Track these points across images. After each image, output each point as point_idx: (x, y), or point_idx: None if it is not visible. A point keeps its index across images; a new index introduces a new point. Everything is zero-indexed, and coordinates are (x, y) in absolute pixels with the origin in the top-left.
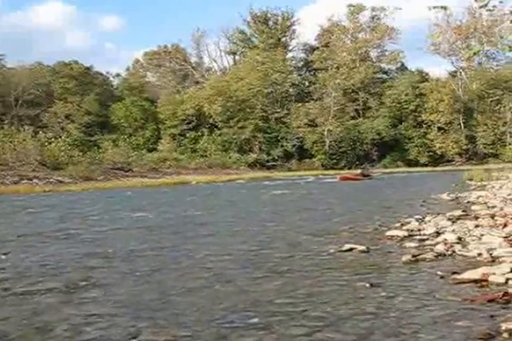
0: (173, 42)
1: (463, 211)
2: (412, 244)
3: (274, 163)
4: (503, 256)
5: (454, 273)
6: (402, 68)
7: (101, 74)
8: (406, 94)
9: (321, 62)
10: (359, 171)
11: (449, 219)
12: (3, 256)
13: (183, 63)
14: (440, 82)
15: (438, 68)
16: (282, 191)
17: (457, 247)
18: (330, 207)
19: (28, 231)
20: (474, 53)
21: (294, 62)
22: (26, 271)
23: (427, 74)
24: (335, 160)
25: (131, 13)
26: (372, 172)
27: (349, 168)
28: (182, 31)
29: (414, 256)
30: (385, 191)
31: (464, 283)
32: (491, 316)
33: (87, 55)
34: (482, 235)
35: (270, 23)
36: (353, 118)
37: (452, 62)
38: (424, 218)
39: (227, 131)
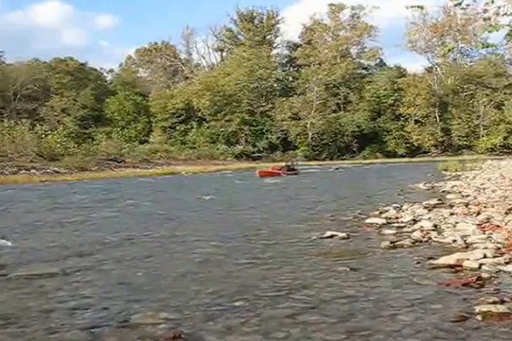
0: (163, 39)
1: (438, 200)
2: (390, 231)
3: (259, 155)
4: (477, 243)
5: (430, 258)
6: (381, 64)
7: (95, 69)
8: (385, 89)
9: (304, 58)
10: (283, 164)
11: (425, 208)
12: (5, 242)
13: (173, 59)
14: (417, 77)
15: (415, 64)
16: (267, 181)
17: (433, 234)
18: (311, 196)
19: (28, 219)
20: (449, 50)
21: (278, 58)
22: (26, 257)
23: (404, 70)
24: (317, 152)
25: (125, 12)
26: (298, 165)
27: (331, 159)
28: (172, 29)
29: (392, 242)
30: (362, 181)
31: (439, 268)
32: (465, 299)
33: (82, 52)
34: (457, 223)
35: (256, 21)
36: (334, 111)
37: (428, 59)
38: (401, 206)
39: (214, 124)
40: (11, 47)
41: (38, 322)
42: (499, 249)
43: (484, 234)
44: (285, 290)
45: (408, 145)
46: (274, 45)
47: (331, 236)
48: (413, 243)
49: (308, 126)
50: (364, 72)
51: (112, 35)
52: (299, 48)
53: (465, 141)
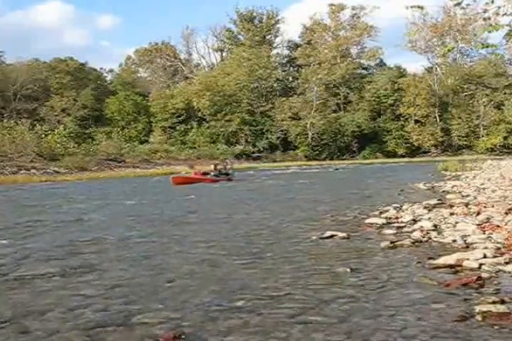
0: (164, 39)
1: (438, 200)
2: (390, 231)
3: (259, 154)
4: (477, 243)
5: (430, 258)
6: (381, 64)
7: (95, 69)
8: (385, 89)
9: (304, 58)
10: (212, 167)
11: (425, 208)
12: (4, 241)
13: (173, 59)
14: (417, 77)
15: (415, 64)
16: (267, 181)
17: (433, 234)
18: (312, 196)
19: (26, 218)
20: (449, 50)
21: (278, 58)
22: (25, 257)
23: (404, 70)
24: (317, 152)
25: (127, 12)
26: (232, 169)
27: (331, 159)
28: (173, 29)
29: (392, 242)
30: (361, 182)
31: (439, 268)
32: (465, 299)
33: (83, 52)
34: (457, 223)
35: (256, 21)
36: (334, 111)
37: (428, 59)
38: (401, 206)
39: (214, 124)
40: (12, 47)
41: (38, 322)
42: (499, 248)
43: (484, 234)
44: (285, 290)
45: (408, 145)
46: (274, 45)
47: (331, 236)
48: (413, 243)
49: (308, 126)
50: (364, 72)
51: (113, 35)
52: (299, 48)
53: (465, 141)
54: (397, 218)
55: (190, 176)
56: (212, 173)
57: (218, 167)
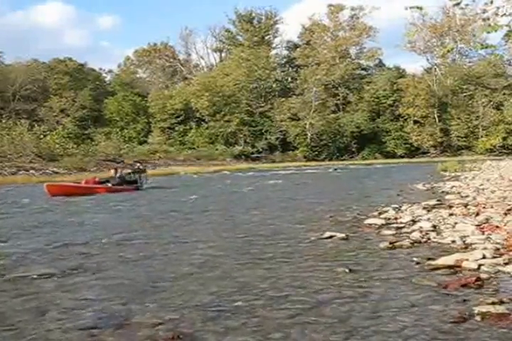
0: (163, 40)
1: (438, 200)
2: (389, 232)
3: (258, 155)
4: (476, 243)
5: (429, 259)
6: (380, 65)
7: (94, 70)
8: (384, 90)
9: (303, 59)
10: (113, 172)
11: (424, 208)
12: (3, 242)
13: (171, 60)
14: (416, 78)
15: (414, 65)
16: (267, 181)
17: (432, 235)
18: (311, 197)
19: (25, 219)
20: (448, 50)
21: (277, 58)
22: (23, 258)
23: (403, 70)
24: (316, 152)
25: (127, 13)
26: (145, 176)
27: (330, 160)
28: (172, 30)
29: (391, 243)
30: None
31: (438, 268)
32: (464, 300)
33: (83, 53)
34: (456, 223)
35: (255, 21)
36: (333, 112)
37: (427, 59)
38: (400, 207)
39: (213, 125)
40: (12, 47)
41: (37, 323)
42: (498, 249)
43: (483, 234)
44: (284, 290)
45: (407, 145)
46: (273, 45)
47: (330, 237)
48: (412, 243)
49: (307, 126)
50: (363, 72)
51: (113, 35)
52: (298, 49)
53: (464, 141)
54: (396, 219)
55: (76, 185)
56: (114, 180)
57: (122, 172)
